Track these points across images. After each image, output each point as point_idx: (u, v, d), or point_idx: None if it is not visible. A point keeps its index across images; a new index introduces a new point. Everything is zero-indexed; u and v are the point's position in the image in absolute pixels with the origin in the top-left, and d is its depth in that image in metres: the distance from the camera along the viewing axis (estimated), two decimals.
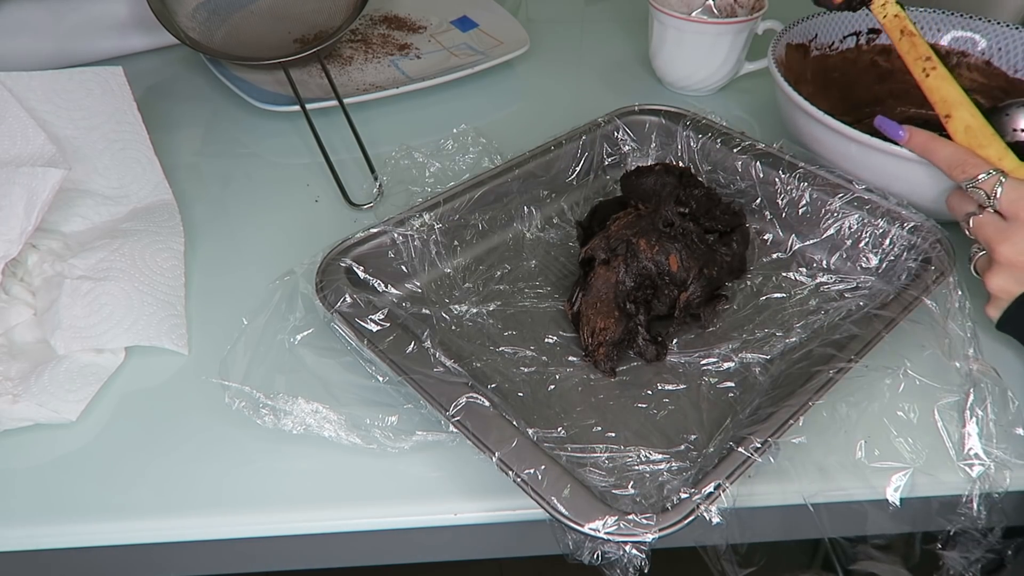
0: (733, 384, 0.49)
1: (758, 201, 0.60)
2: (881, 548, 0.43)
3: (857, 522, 0.44)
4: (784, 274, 0.57)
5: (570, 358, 0.51)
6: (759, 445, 0.41)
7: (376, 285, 0.53)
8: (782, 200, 0.59)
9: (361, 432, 0.45)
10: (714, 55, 0.76)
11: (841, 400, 0.46)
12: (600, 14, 0.97)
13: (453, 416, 0.42)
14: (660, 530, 0.37)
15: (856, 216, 0.56)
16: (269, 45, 0.76)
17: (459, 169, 0.63)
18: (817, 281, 0.56)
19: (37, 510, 0.43)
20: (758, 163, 0.60)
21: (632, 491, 0.40)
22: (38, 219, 0.51)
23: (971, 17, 0.70)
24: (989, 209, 0.50)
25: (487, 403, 0.43)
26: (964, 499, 0.44)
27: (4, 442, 0.46)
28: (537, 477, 0.39)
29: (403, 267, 0.55)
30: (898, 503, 0.43)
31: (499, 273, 0.57)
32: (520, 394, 0.48)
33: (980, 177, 0.50)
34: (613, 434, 0.46)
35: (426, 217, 0.55)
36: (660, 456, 0.43)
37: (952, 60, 0.71)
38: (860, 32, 0.72)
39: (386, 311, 0.48)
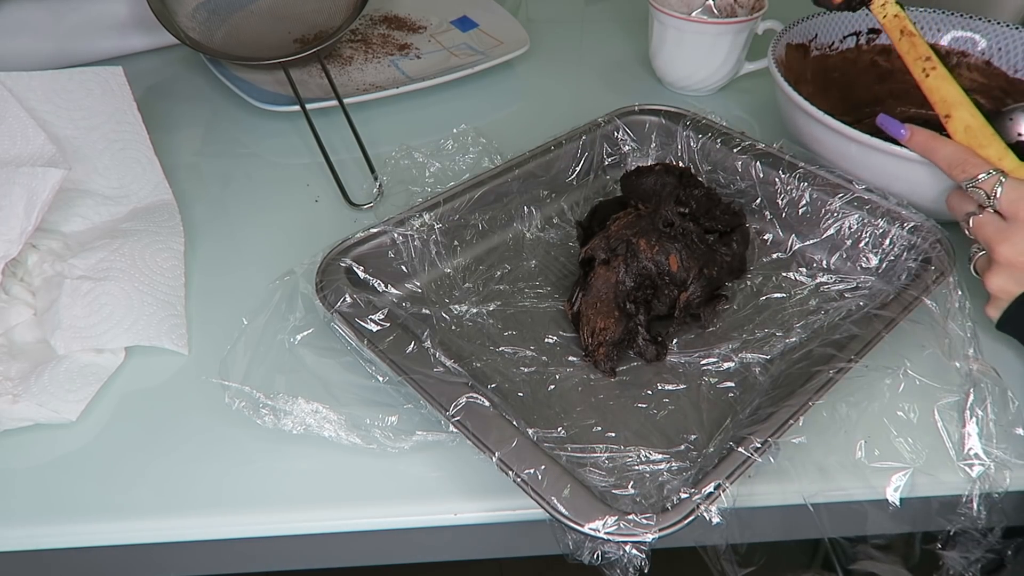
0: (733, 384, 0.49)
1: (758, 201, 0.60)
2: (881, 548, 0.43)
3: (857, 522, 0.44)
4: (784, 274, 0.57)
5: (570, 358, 0.51)
6: (759, 445, 0.41)
7: (376, 285, 0.53)
8: (782, 200, 0.59)
9: (361, 432, 0.45)
10: (714, 55, 0.76)
11: (841, 400, 0.46)
12: (600, 14, 0.97)
13: (453, 416, 0.42)
14: (660, 530, 0.37)
15: (856, 216, 0.56)
16: (269, 45, 0.76)
17: (459, 169, 0.63)
18: (817, 281, 0.56)
19: (37, 510, 0.43)
20: (758, 163, 0.60)
21: (632, 491, 0.40)
22: (38, 219, 0.51)
23: (971, 17, 0.70)
24: (989, 209, 0.50)
25: (487, 403, 0.43)
26: (964, 499, 0.44)
27: (4, 442, 0.46)
28: (537, 477, 0.39)
29: (403, 267, 0.55)
30: (898, 503, 0.43)
31: (499, 273, 0.57)
32: (520, 394, 0.48)
33: (980, 177, 0.50)
34: (613, 434, 0.46)
35: (426, 217, 0.55)
36: (660, 456, 0.43)
37: (952, 60, 0.71)
38: (860, 32, 0.72)
39: (386, 311, 0.48)
